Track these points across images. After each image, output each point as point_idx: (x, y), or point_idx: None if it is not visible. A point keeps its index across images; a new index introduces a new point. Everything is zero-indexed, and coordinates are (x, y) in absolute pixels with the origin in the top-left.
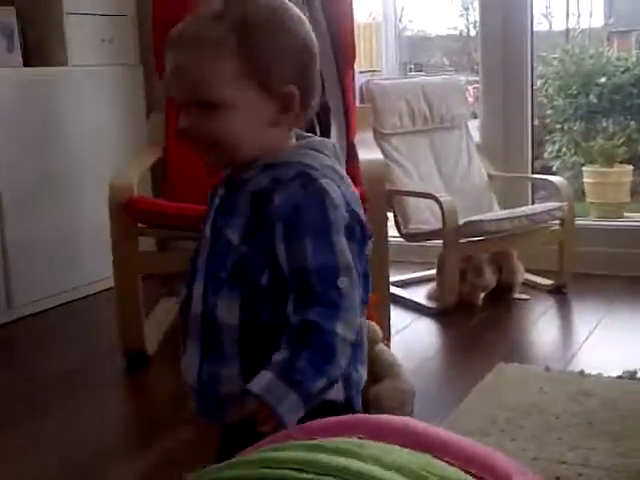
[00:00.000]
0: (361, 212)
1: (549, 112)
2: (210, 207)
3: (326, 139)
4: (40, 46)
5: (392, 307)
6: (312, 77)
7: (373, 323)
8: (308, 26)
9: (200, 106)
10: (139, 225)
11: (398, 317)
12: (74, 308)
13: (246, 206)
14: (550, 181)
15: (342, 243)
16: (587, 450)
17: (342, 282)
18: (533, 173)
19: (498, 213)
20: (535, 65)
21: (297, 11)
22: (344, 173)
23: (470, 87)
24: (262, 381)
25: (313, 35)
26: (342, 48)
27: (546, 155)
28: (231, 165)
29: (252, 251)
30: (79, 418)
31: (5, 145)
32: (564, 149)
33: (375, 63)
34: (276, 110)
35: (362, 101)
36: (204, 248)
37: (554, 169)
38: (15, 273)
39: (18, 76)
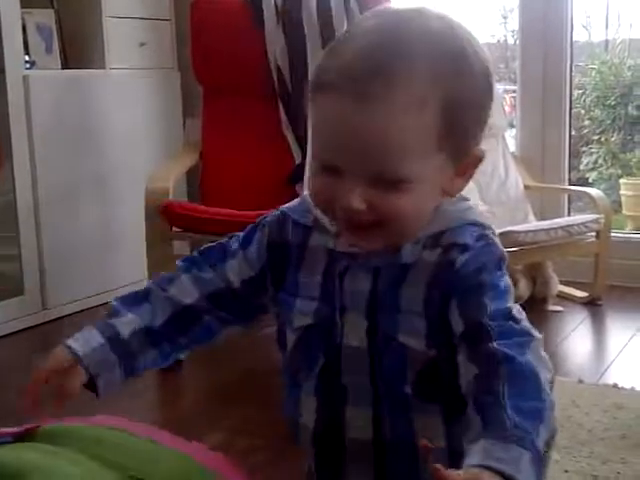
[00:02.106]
0: None
1: (586, 123)
2: (334, 310)
3: None
4: (78, 48)
5: None
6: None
7: None
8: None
9: (377, 181)
10: (174, 229)
11: None
12: (108, 310)
13: (419, 298)
14: (587, 193)
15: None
16: (620, 464)
17: (516, 311)
18: (570, 184)
19: (534, 224)
20: (573, 75)
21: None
22: None
23: (507, 96)
24: (477, 453)
25: None
26: None
27: (582, 167)
28: (390, 247)
29: (443, 351)
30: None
31: (42, 146)
32: (600, 161)
33: None
34: (454, 175)
35: None
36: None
37: (590, 180)
38: (50, 274)
39: (56, 78)
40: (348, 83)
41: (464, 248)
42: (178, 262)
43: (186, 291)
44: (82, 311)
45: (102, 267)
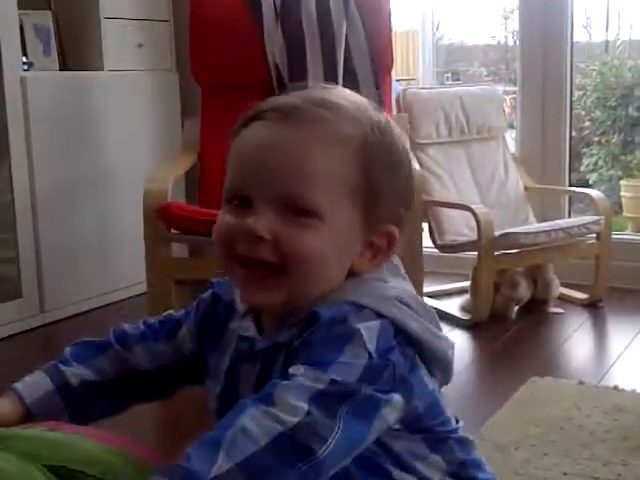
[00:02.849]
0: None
1: (587, 124)
2: (231, 380)
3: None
4: (76, 50)
5: None
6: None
7: None
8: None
9: (285, 210)
10: (172, 231)
11: None
12: (107, 312)
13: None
14: (587, 194)
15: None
16: (620, 466)
17: (297, 369)
18: (570, 186)
19: (534, 226)
20: (574, 76)
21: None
22: (412, 300)
23: (507, 97)
24: None
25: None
26: (379, 53)
27: (583, 168)
28: (285, 308)
29: None
30: (111, 421)
31: (40, 148)
32: (601, 162)
33: (411, 71)
34: (364, 249)
35: (398, 110)
36: None
37: (591, 182)
38: (48, 276)
39: (54, 79)
40: (275, 111)
41: (314, 319)
42: (139, 325)
43: (141, 359)
44: (80, 314)
45: (100, 269)
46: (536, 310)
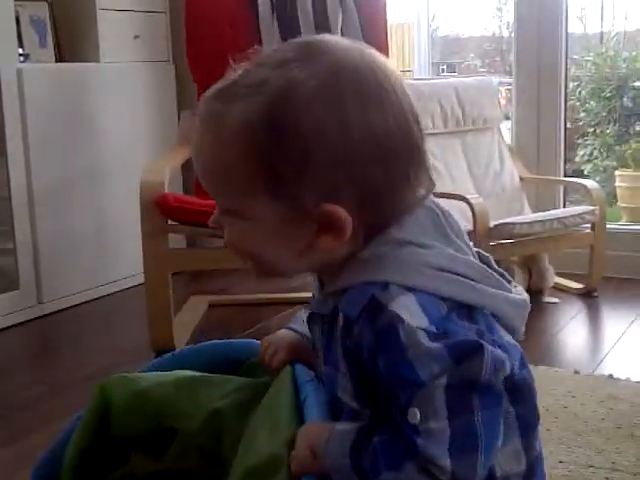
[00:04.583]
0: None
1: (582, 115)
2: (315, 341)
3: (426, 209)
4: (72, 42)
5: None
6: (387, 184)
7: None
8: (397, 102)
9: (224, 212)
10: (169, 222)
11: None
12: (104, 304)
13: (340, 355)
14: (582, 184)
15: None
16: (615, 454)
17: (414, 416)
18: (565, 176)
19: (529, 216)
20: (568, 67)
21: (380, 75)
22: (453, 261)
23: (502, 88)
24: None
25: (408, 120)
26: (375, 47)
27: (578, 159)
28: (279, 278)
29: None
30: None
31: (37, 140)
32: (596, 153)
33: (407, 63)
34: (313, 231)
35: None
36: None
37: (586, 172)
38: (45, 268)
39: (50, 71)
40: (200, 113)
41: (347, 321)
42: None
43: None
44: (77, 305)
45: (97, 261)
46: (531, 300)
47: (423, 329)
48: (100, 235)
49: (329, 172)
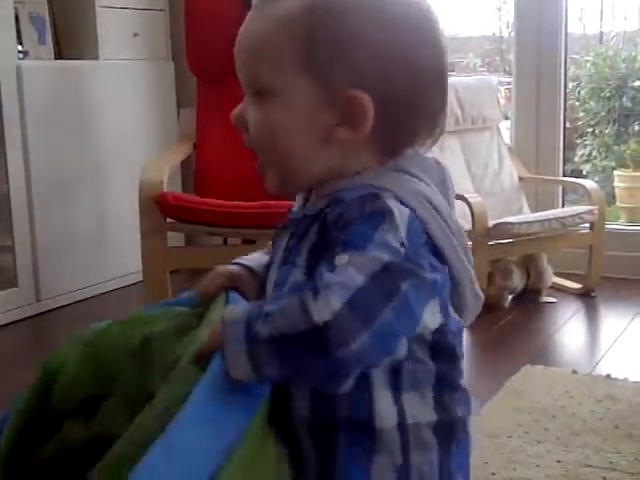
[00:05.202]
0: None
1: (581, 115)
2: (274, 256)
3: (431, 158)
4: (72, 39)
5: None
6: (413, 95)
7: None
8: (440, 48)
9: (254, 94)
10: (168, 220)
11: None
12: (102, 302)
13: (305, 252)
14: (581, 184)
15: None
16: (612, 454)
17: (340, 260)
18: (564, 176)
19: (528, 216)
20: (568, 67)
21: (423, 10)
22: (443, 207)
23: (502, 88)
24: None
25: (435, 49)
26: None
27: (577, 158)
28: (289, 188)
29: None
30: None
31: (35, 137)
32: (595, 152)
33: None
34: (335, 120)
35: None
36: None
37: (585, 172)
38: (44, 266)
39: (49, 68)
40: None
41: (336, 201)
42: None
43: None
44: (75, 303)
45: (96, 259)
46: (529, 299)
47: (401, 239)
48: (99, 233)
49: (363, 63)
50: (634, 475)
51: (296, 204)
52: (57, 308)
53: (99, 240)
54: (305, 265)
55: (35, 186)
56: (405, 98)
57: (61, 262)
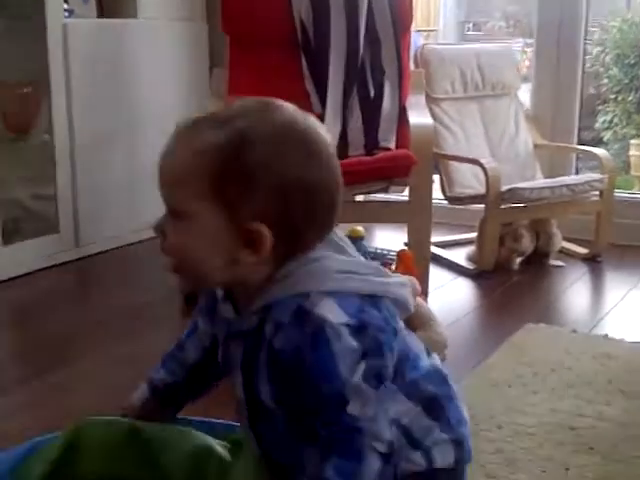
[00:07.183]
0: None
1: (604, 81)
2: (226, 358)
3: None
4: None
5: (432, 266)
6: (306, 221)
7: (412, 277)
8: (327, 160)
9: (169, 210)
10: None
11: (438, 276)
12: (136, 249)
13: (263, 363)
14: (593, 152)
15: (348, 372)
16: (603, 406)
17: (354, 408)
18: (579, 143)
19: (540, 182)
20: (594, 31)
21: (320, 138)
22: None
23: (528, 50)
24: None
25: (330, 173)
26: (400, 11)
27: (598, 125)
28: (200, 288)
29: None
30: (142, 346)
31: (78, 90)
32: (616, 120)
33: (433, 22)
34: (238, 246)
35: (416, 65)
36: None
37: (605, 140)
38: (83, 214)
39: (92, 26)
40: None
41: (278, 326)
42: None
43: (191, 351)
44: (112, 249)
45: (132, 207)
46: (538, 262)
47: (344, 324)
48: (136, 182)
49: (264, 199)
50: (623, 425)
51: (226, 310)
52: (95, 254)
53: (136, 189)
54: (269, 379)
55: (77, 137)
56: (304, 219)
57: (100, 210)
